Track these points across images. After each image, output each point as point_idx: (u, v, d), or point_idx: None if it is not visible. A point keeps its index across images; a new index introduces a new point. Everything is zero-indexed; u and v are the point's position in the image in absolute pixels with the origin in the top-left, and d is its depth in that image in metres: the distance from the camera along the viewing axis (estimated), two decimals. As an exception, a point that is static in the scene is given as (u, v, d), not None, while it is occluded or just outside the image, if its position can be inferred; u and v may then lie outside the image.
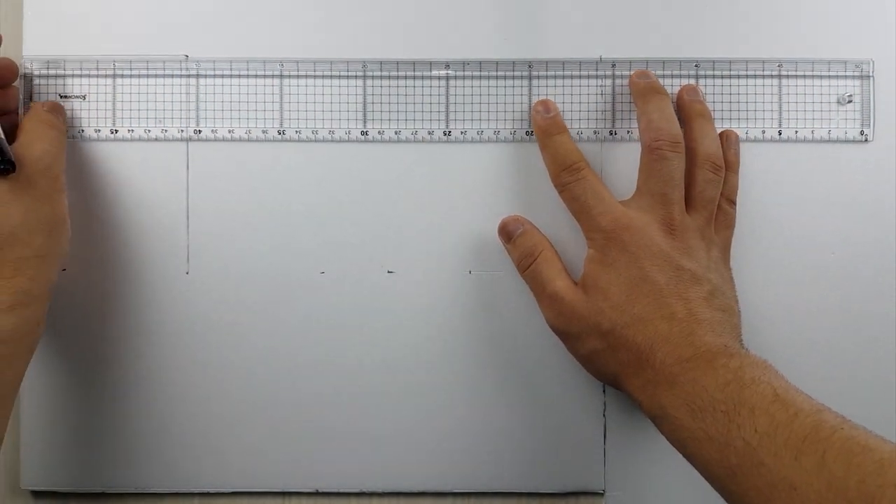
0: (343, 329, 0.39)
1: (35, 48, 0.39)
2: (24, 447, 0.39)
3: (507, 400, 0.39)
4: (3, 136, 0.34)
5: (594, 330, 0.34)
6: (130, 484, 0.39)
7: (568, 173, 0.37)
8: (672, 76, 0.39)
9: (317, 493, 0.39)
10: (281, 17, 0.39)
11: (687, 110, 0.38)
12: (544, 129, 0.38)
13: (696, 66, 0.39)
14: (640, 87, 0.38)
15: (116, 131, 0.39)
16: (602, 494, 0.39)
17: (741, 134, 0.39)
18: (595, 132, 0.39)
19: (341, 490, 0.39)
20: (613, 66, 0.39)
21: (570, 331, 0.36)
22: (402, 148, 0.39)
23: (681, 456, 0.38)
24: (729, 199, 0.38)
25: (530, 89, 0.39)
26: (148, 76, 0.39)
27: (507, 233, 0.38)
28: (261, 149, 0.39)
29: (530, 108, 0.39)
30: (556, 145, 0.37)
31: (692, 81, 0.39)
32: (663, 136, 0.36)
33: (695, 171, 0.36)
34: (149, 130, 0.39)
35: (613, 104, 0.39)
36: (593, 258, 0.36)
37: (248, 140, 0.39)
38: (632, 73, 0.38)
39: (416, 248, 0.39)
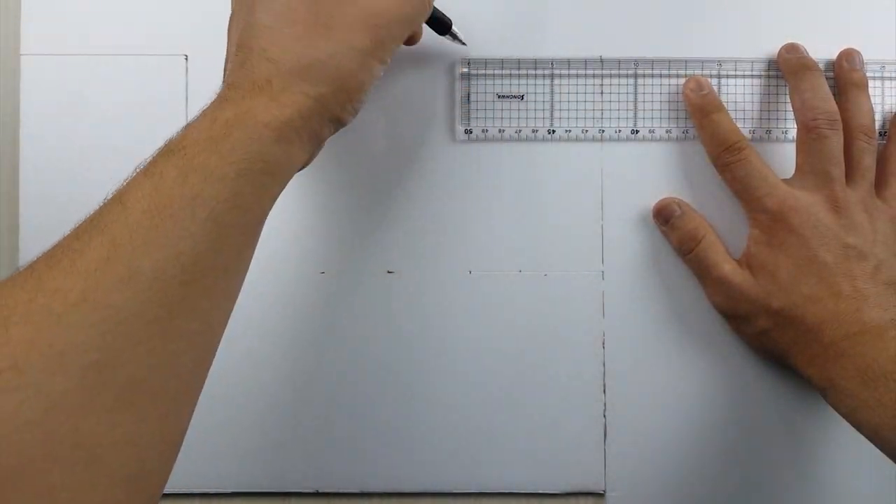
0: (343, 329, 0.39)
1: (33, 46, 0.39)
2: (23, 447, 0.39)
3: (508, 400, 0.39)
4: None
5: (763, 311, 0.36)
6: (130, 484, 0.39)
7: (729, 153, 0.37)
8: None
9: (317, 494, 0.39)
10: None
11: (842, 79, 0.38)
12: (701, 108, 0.38)
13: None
14: (791, 64, 0.38)
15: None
16: (602, 494, 0.39)
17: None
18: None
19: (341, 490, 0.39)
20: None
21: (738, 312, 0.37)
22: (404, 149, 0.39)
23: (681, 456, 0.39)
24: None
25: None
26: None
27: (664, 216, 0.38)
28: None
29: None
30: (714, 124, 0.37)
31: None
32: (820, 114, 0.36)
33: (849, 142, 0.36)
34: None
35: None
36: (758, 239, 0.37)
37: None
38: (780, 48, 0.38)
39: (417, 247, 0.39)
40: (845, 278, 0.34)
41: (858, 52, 0.38)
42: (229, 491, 0.39)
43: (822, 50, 0.39)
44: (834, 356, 0.33)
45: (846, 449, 0.39)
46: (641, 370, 0.39)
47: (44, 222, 0.39)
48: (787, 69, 0.38)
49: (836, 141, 0.36)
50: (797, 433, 0.39)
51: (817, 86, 0.37)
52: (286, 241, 0.39)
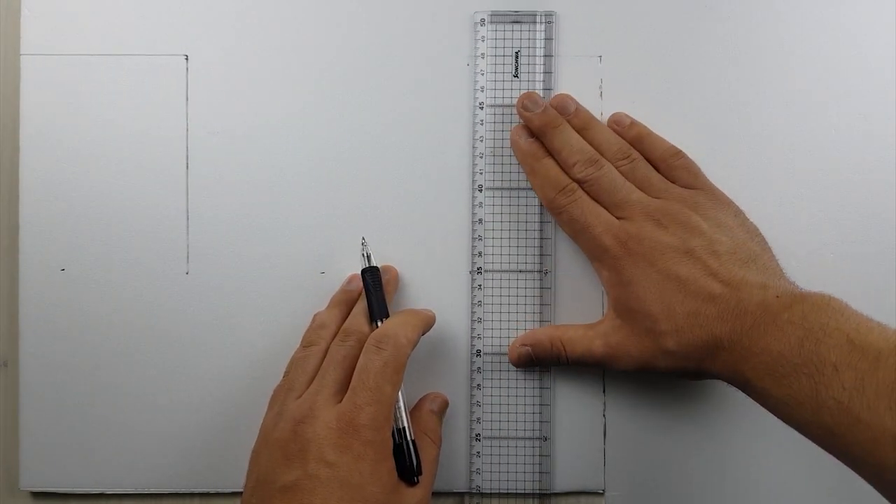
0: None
1: (33, 47, 0.39)
2: (24, 448, 0.39)
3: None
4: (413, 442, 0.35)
5: (660, 354, 0.34)
6: (130, 484, 0.39)
7: (563, 195, 0.37)
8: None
9: (317, 493, 0.39)
10: (281, 17, 0.39)
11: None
12: (531, 153, 0.38)
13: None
14: (535, 125, 0.38)
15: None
16: (602, 494, 0.39)
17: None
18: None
19: (341, 490, 0.39)
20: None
21: (644, 367, 0.35)
22: (404, 149, 0.39)
23: (680, 456, 0.39)
24: (668, 154, 0.37)
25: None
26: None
27: (530, 362, 0.38)
28: (260, 149, 0.39)
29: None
30: (545, 168, 0.37)
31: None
32: (581, 163, 0.36)
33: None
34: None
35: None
36: (611, 280, 0.35)
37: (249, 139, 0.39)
38: (516, 104, 0.38)
39: (418, 247, 0.39)
40: (708, 278, 0.33)
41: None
42: (229, 491, 0.39)
43: (821, 50, 0.39)
44: (741, 357, 0.31)
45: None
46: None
47: (44, 222, 0.39)
48: (535, 130, 0.38)
49: (610, 170, 0.36)
50: (797, 432, 0.39)
51: (566, 137, 0.37)
52: (286, 241, 0.39)
